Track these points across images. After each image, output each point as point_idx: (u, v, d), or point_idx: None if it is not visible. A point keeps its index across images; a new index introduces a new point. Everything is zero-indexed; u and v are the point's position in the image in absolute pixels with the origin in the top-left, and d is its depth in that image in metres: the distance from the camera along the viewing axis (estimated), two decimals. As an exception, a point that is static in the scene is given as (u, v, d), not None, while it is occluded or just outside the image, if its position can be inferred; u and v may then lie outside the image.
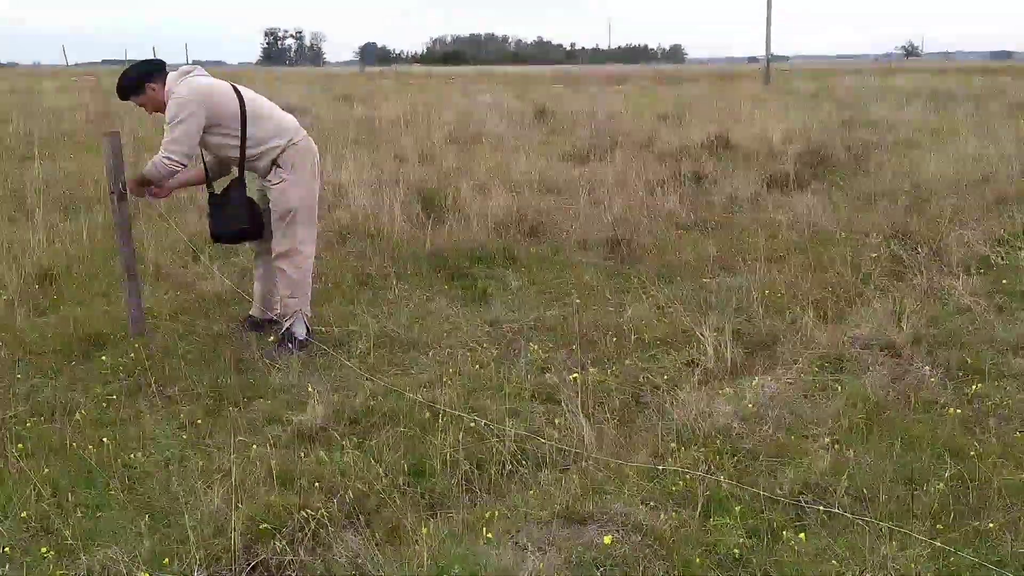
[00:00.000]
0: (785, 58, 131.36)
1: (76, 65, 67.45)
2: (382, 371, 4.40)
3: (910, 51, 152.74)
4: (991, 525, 2.90)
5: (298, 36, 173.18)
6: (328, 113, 17.09)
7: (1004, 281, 5.58)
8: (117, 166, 4.59)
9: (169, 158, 4.41)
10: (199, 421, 3.77)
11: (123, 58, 46.14)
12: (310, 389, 3.97)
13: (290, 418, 3.79)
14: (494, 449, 3.41)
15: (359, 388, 4.08)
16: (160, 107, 4.52)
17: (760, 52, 35.53)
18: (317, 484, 3.16)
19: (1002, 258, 6.07)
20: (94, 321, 4.97)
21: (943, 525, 2.91)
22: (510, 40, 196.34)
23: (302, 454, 3.43)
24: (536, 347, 4.60)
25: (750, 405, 3.80)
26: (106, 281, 5.76)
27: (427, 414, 3.75)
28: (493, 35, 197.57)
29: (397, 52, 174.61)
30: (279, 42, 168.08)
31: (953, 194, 8.11)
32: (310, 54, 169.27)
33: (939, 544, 2.74)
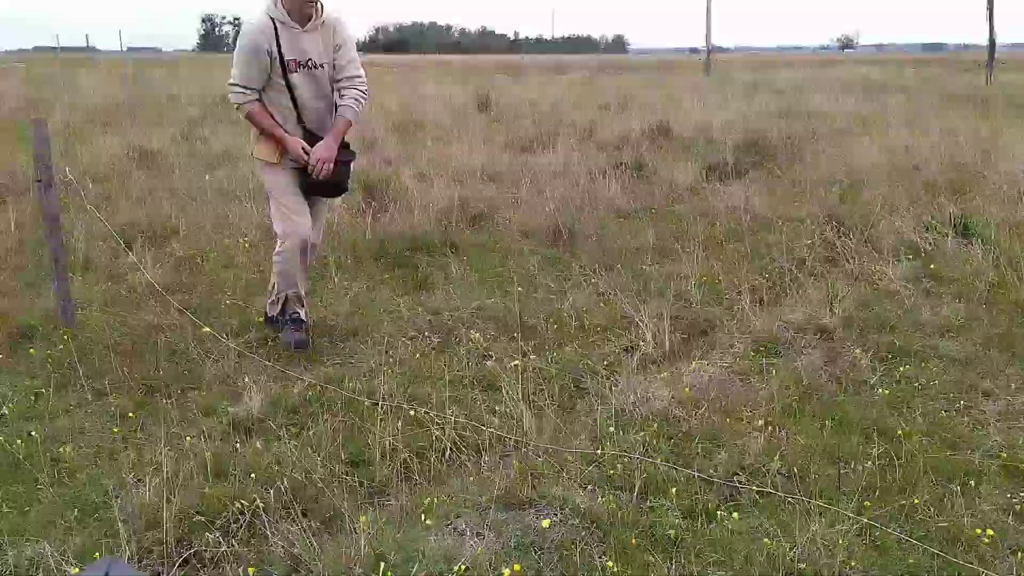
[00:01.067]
0: (725, 49, 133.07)
1: (6, 52, 65.27)
2: (322, 361, 4.37)
3: (845, 43, 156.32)
4: (917, 502, 3.00)
5: (236, 23, 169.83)
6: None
7: (932, 266, 5.75)
8: (45, 154, 4.47)
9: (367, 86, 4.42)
10: (131, 414, 3.69)
11: (55, 44, 44.83)
12: (246, 380, 3.92)
13: (226, 409, 3.73)
14: (434, 437, 3.41)
15: (297, 379, 4.04)
16: (308, 15, 4.22)
17: (701, 43, 35.85)
18: (253, 475, 3.12)
19: (930, 244, 6.24)
20: (22, 313, 4.82)
21: (871, 502, 3.00)
22: (453, 29, 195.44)
23: (237, 445, 3.39)
24: (477, 335, 4.60)
25: (687, 389, 3.86)
26: (34, 272, 5.60)
27: (367, 403, 3.73)
28: (436, 24, 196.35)
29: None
30: (216, 29, 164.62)
31: (885, 183, 8.30)
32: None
33: (866, 520, 2.83)
